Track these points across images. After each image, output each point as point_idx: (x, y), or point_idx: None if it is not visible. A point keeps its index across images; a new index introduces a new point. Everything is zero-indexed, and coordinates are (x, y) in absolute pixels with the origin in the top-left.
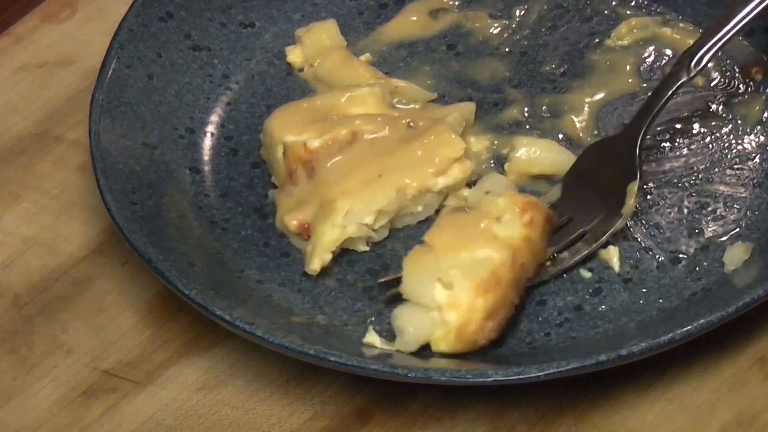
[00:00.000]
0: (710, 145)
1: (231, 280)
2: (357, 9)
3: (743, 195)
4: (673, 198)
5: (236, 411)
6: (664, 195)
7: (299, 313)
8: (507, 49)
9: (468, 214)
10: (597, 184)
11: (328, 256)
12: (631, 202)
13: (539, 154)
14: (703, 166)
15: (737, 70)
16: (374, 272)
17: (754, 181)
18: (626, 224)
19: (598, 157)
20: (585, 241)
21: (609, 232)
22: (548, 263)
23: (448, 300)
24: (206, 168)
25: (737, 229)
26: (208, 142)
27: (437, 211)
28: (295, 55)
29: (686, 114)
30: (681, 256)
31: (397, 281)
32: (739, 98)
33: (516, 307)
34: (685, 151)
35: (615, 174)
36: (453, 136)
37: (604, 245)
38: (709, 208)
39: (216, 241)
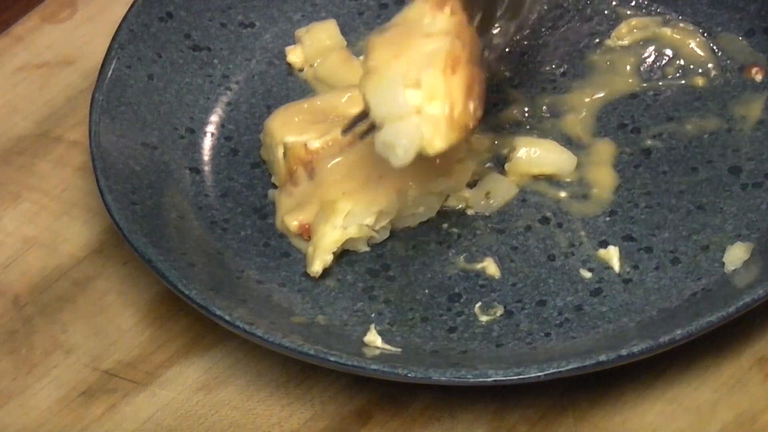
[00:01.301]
0: (710, 145)
1: (231, 281)
2: (357, 9)
3: (743, 195)
4: (673, 198)
5: (236, 411)
6: (664, 195)
7: (299, 313)
8: (507, 49)
9: (391, 30)
10: None
11: (330, 257)
12: None
13: (539, 154)
14: (703, 166)
15: (737, 70)
16: (374, 272)
17: (754, 181)
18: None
19: None
20: (508, 19)
21: (526, 2)
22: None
23: (423, 95)
24: (206, 168)
25: (737, 229)
26: (208, 142)
27: (438, 213)
28: (295, 55)
29: (686, 114)
30: (681, 256)
31: (362, 118)
32: (739, 98)
33: (485, 82)
34: (684, 151)
35: None
36: None
37: (604, 245)
38: (709, 208)
39: (216, 241)
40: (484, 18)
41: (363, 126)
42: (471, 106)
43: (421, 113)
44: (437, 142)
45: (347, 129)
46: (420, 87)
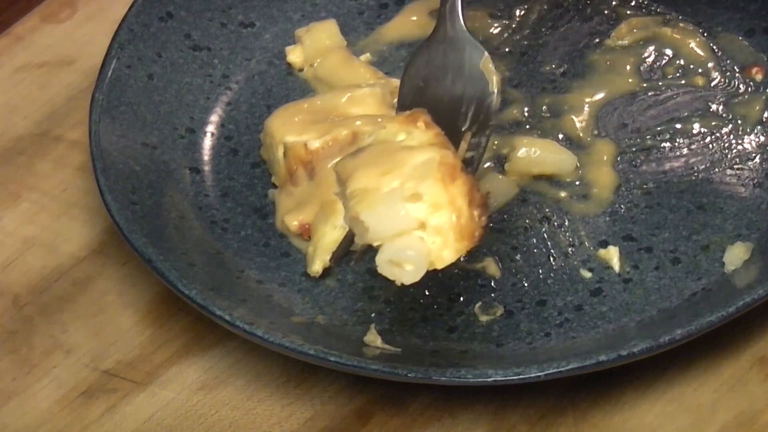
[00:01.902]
0: (710, 145)
1: (231, 280)
2: (357, 9)
3: (743, 195)
4: (673, 198)
5: (236, 411)
6: (664, 195)
7: (299, 313)
8: (507, 49)
9: (365, 152)
10: (443, 90)
11: (330, 257)
12: (494, 77)
13: (539, 154)
14: (703, 166)
15: (737, 70)
16: (374, 272)
17: (754, 181)
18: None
19: (427, 68)
20: (477, 135)
21: (491, 114)
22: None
23: (426, 208)
24: (206, 168)
25: (737, 229)
26: (208, 142)
27: None
28: (295, 55)
29: (686, 114)
30: (681, 256)
31: (349, 246)
32: (739, 98)
33: (484, 197)
34: (685, 151)
35: (456, 65)
36: None
37: (604, 245)
38: (709, 208)
39: (216, 241)
40: (448, 134)
41: (358, 253)
42: (476, 212)
43: (426, 226)
44: (447, 253)
45: (338, 257)
46: (420, 200)
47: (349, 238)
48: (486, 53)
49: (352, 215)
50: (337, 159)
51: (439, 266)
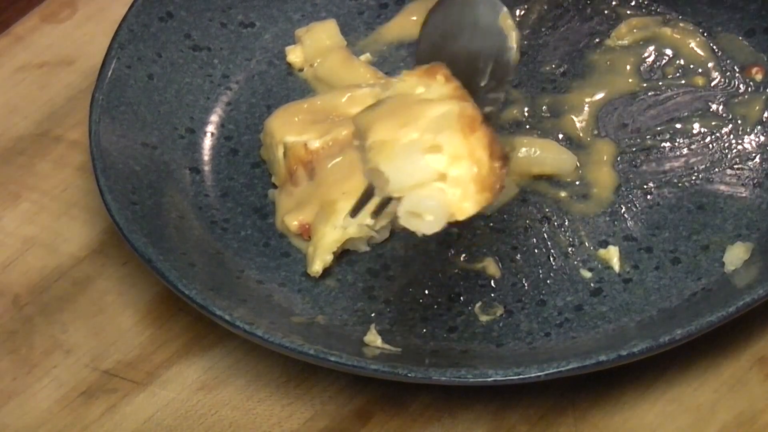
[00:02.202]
0: (710, 145)
1: (231, 280)
2: (357, 9)
3: (743, 195)
4: (673, 198)
5: (236, 411)
6: (664, 195)
7: (299, 313)
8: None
9: (383, 105)
10: (461, 46)
11: (330, 257)
12: (512, 32)
13: (539, 154)
14: (703, 166)
15: (737, 70)
16: (374, 272)
17: (754, 181)
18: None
19: (444, 24)
20: (495, 90)
21: (510, 69)
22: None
23: (446, 159)
24: (206, 168)
25: (737, 229)
26: (208, 142)
27: None
28: (295, 55)
29: (686, 114)
30: (681, 256)
31: (368, 198)
32: (739, 98)
33: (504, 149)
34: (685, 151)
35: (473, 20)
36: None
37: (604, 245)
38: (709, 208)
39: (216, 241)
40: (466, 90)
41: (372, 204)
42: (496, 165)
43: (446, 177)
44: (467, 205)
45: (357, 210)
46: (440, 151)
47: (369, 191)
48: (504, 8)
49: (372, 167)
50: (340, 160)
51: (460, 217)
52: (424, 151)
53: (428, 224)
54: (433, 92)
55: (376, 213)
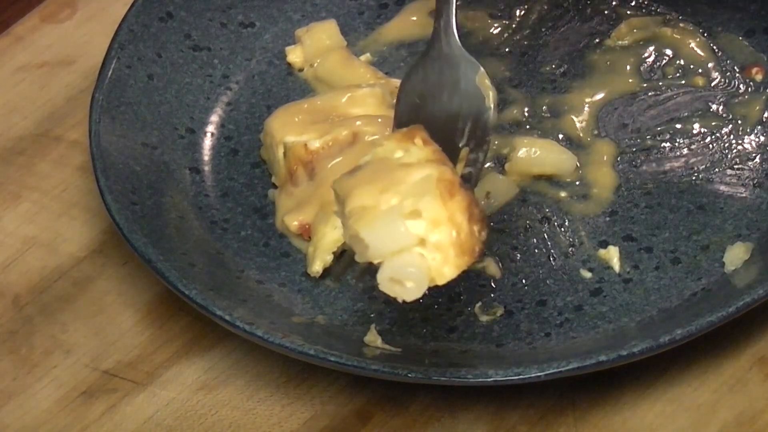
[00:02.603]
0: (710, 145)
1: (231, 280)
2: (357, 9)
3: (743, 195)
4: (673, 198)
5: (236, 411)
6: (664, 195)
7: (299, 313)
8: (507, 49)
9: (362, 170)
10: (440, 107)
11: (330, 257)
12: (490, 92)
13: (539, 154)
14: (703, 166)
15: (737, 70)
16: (374, 272)
17: (754, 181)
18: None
19: (423, 85)
20: (474, 151)
21: (489, 129)
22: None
23: (425, 224)
24: (206, 168)
25: (737, 229)
26: (208, 142)
27: None
28: (295, 55)
29: (686, 114)
30: (681, 256)
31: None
32: (739, 98)
33: (483, 212)
34: (685, 151)
35: (452, 81)
36: None
37: (604, 245)
38: (709, 208)
39: (216, 241)
40: (445, 151)
41: (350, 269)
42: (475, 228)
43: (426, 243)
44: (447, 270)
45: (339, 274)
46: (419, 217)
47: (350, 256)
48: (481, 69)
49: (352, 233)
50: (340, 160)
51: (440, 282)
52: (404, 217)
53: (409, 291)
54: (412, 156)
55: (359, 278)
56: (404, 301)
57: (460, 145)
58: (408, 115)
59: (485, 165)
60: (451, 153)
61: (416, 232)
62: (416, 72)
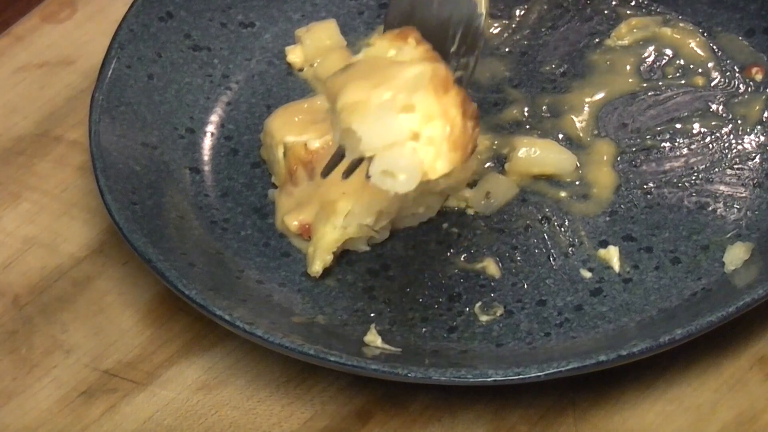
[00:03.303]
0: (710, 145)
1: (231, 280)
2: (357, 9)
3: (743, 195)
4: (673, 198)
5: (236, 411)
6: (664, 195)
7: (299, 313)
8: (507, 49)
9: (355, 67)
10: (431, 13)
11: (330, 257)
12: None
13: (539, 154)
14: (703, 166)
15: (737, 70)
16: (374, 272)
17: (754, 181)
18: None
19: None
20: (465, 56)
21: (480, 35)
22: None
23: (419, 118)
24: (206, 168)
25: (737, 229)
26: (208, 142)
27: (438, 213)
28: (295, 55)
29: (686, 114)
30: (681, 256)
31: (339, 159)
32: (739, 98)
33: (476, 109)
34: (685, 151)
35: None
36: None
37: (604, 245)
38: (709, 208)
39: (216, 241)
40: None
41: (343, 165)
42: (468, 124)
43: (419, 137)
44: (440, 164)
45: (328, 171)
46: (413, 111)
47: (339, 153)
48: None
49: (344, 127)
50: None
51: (433, 177)
52: (398, 111)
53: (401, 183)
54: (405, 54)
55: (346, 174)
56: (396, 194)
57: (451, 51)
58: (398, 21)
59: (475, 70)
60: (442, 57)
61: (409, 126)
62: None
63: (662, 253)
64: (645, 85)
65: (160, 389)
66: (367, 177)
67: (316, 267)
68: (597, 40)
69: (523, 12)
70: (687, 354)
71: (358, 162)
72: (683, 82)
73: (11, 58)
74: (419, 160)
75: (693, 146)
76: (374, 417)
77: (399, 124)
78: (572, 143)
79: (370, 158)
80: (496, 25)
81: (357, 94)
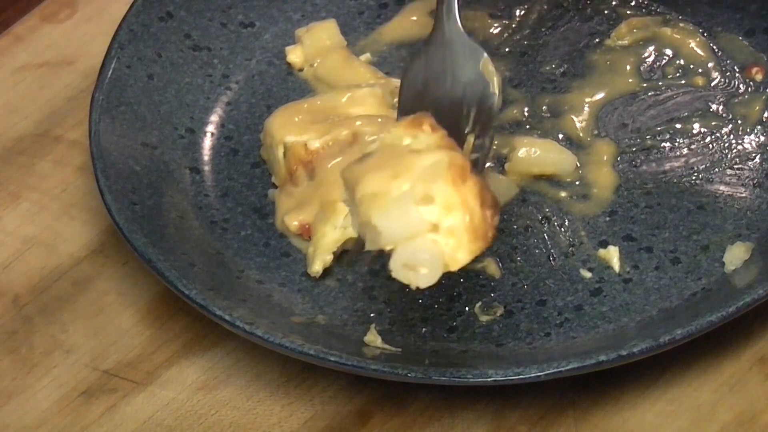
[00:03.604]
0: (710, 145)
1: (231, 280)
2: (357, 9)
3: (743, 195)
4: (673, 198)
5: (236, 411)
6: (664, 195)
7: (299, 313)
8: (507, 49)
9: (372, 158)
10: (444, 93)
11: (330, 257)
12: (494, 78)
13: (539, 154)
14: (703, 166)
15: (737, 70)
16: (374, 272)
17: (754, 181)
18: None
19: (426, 72)
20: (480, 137)
21: (493, 115)
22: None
23: (438, 209)
24: (206, 168)
25: (737, 229)
26: (208, 142)
27: None
28: (295, 55)
29: (686, 114)
30: (681, 256)
31: (359, 251)
32: (739, 98)
33: (495, 197)
34: (685, 151)
35: (455, 67)
36: None
37: (604, 245)
38: (709, 208)
39: (216, 241)
40: (451, 137)
41: (369, 259)
42: (488, 213)
43: (439, 228)
44: (461, 255)
45: (351, 262)
46: (432, 202)
47: (360, 243)
48: (485, 54)
49: (364, 220)
50: (340, 160)
51: (454, 268)
52: (417, 203)
53: (423, 277)
54: (421, 142)
55: (370, 265)
56: (417, 288)
57: (466, 132)
58: (412, 102)
59: (492, 150)
60: (456, 139)
61: (429, 218)
62: (419, 59)
63: (662, 253)
64: (645, 85)
65: (160, 389)
66: (389, 271)
67: (316, 267)
68: (597, 40)
69: (523, 12)
70: (687, 354)
71: (379, 254)
72: (683, 82)
73: (11, 58)
74: (440, 252)
75: (693, 146)
76: (374, 417)
77: (419, 217)
78: (572, 143)
79: (390, 251)
80: (496, 25)
81: (375, 186)
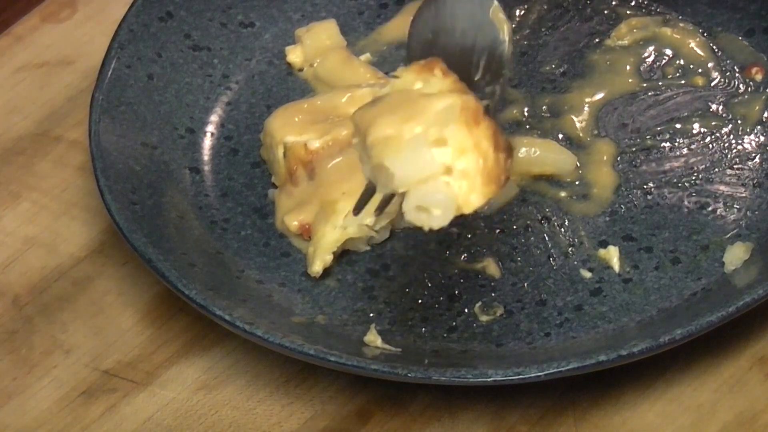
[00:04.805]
0: (710, 145)
1: (231, 280)
2: (357, 9)
3: (743, 195)
4: (673, 198)
5: (236, 411)
6: (664, 195)
7: (299, 313)
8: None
9: (383, 101)
10: (453, 41)
11: (330, 257)
12: (504, 25)
13: (539, 154)
14: (703, 166)
15: (737, 70)
16: (374, 272)
17: (754, 181)
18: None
19: (435, 20)
20: (490, 83)
21: (504, 62)
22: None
23: (451, 152)
24: (206, 168)
25: (737, 229)
26: (208, 142)
27: None
28: (295, 55)
29: (686, 114)
30: (681, 256)
31: (370, 195)
32: (739, 98)
33: (508, 140)
34: (685, 151)
35: (465, 15)
36: None
37: (604, 245)
38: (709, 208)
39: (216, 241)
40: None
41: (374, 202)
42: (501, 156)
43: (452, 170)
44: (474, 197)
45: (359, 208)
46: (445, 144)
47: (370, 189)
48: (495, 2)
49: (376, 163)
50: (340, 161)
51: (467, 210)
52: (430, 145)
53: (436, 218)
54: (432, 87)
55: (379, 210)
56: (430, 229)
57: (476, 79)
58: (421, 50)
59: (501, 98)
60: (468, 86)
61: (442, 160)
62: (428, 8)
63: (662, 253)
64: (645, 85)
65: (160, 389)
66: (401, 213)
67: (316, 267)
68: (597, 40)
69: (523, 12)
70: (687, 354)
71: (389, 198)
72: (683, 82)
73: (11, 58)
74: (453, 195)
75: (693, 146)
76: (374, 417)
77: (432, 159)
78: (572, 143)
79: (403, 194)
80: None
81: (388, 129)
